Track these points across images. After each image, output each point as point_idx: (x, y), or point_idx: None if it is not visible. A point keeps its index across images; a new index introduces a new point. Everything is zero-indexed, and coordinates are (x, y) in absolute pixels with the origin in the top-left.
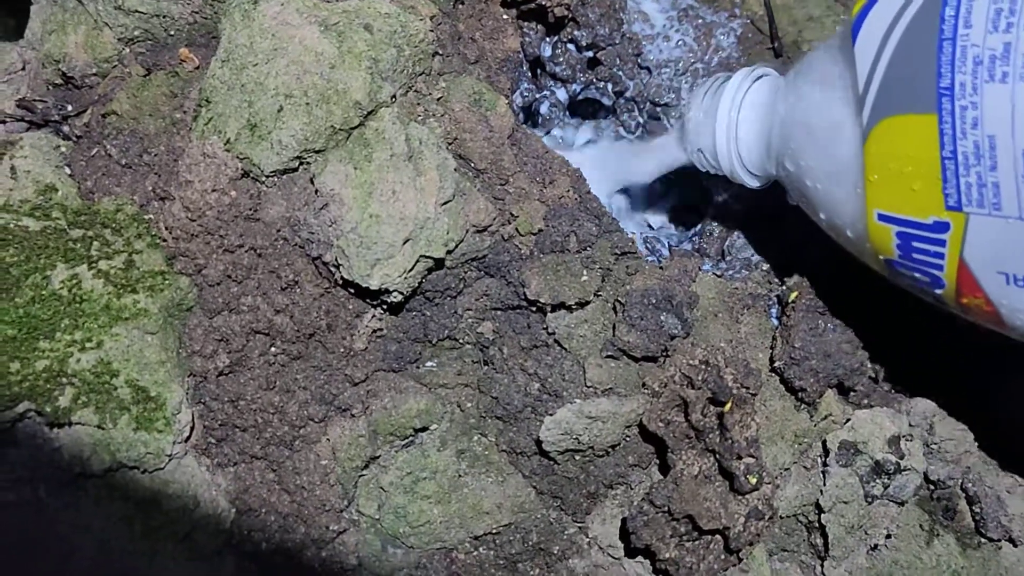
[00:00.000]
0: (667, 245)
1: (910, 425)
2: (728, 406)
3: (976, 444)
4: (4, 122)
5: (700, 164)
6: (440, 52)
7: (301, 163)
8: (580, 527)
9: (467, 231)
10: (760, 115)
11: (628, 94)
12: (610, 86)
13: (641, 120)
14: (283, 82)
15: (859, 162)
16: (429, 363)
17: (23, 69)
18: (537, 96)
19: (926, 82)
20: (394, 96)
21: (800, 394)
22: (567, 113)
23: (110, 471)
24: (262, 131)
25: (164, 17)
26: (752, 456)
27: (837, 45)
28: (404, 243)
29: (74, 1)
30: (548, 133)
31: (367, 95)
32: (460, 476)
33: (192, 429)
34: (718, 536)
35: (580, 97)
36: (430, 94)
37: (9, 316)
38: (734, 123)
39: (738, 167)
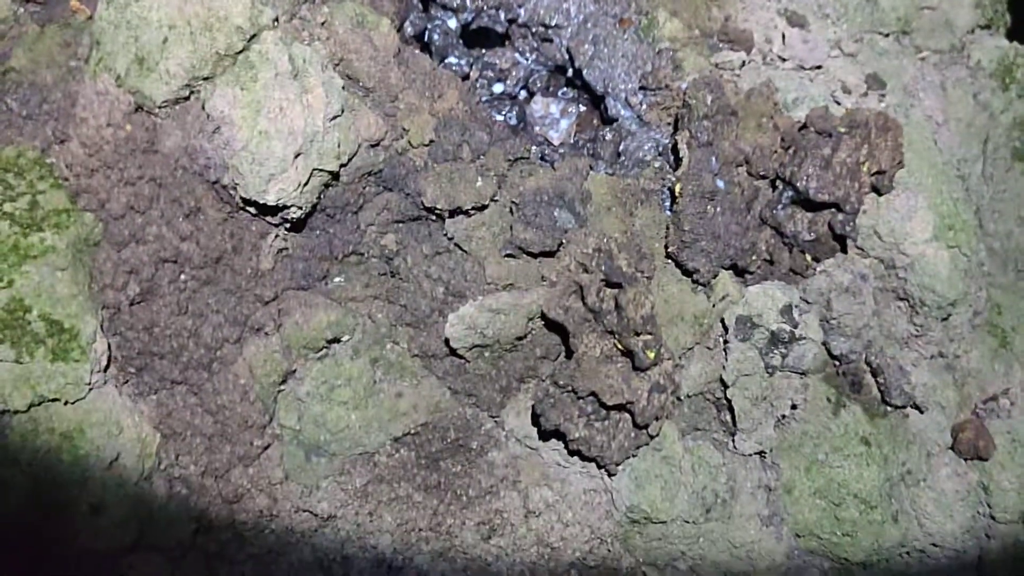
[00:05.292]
0: (563, 156)
1: (805, 301)
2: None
3: (875, 318)
4: None
5: None
6: None
7: (192, 92)
8: (496, 421)
9: (359, 145)
10: None
11: (520, 19)
12: (501, 13)
13: (535, 44)
14: (166, 14)
15: None
16: (337, 279)
17: None
18: (428, 26)
19: None
20: (276, 20)
21: (695, 276)
22: (460, 42)
23: (33, 405)
24: (150, 63)
25: None
26: (649, 333)
27: None
28: (296, 157)
29: None
30: (443, 61)
31: (248, 19)
32: (375, 382)
33: (109, 358)
34: (625, 413)
35: (473, 26)
36: (314, 19)
37: None
38: None
39: None
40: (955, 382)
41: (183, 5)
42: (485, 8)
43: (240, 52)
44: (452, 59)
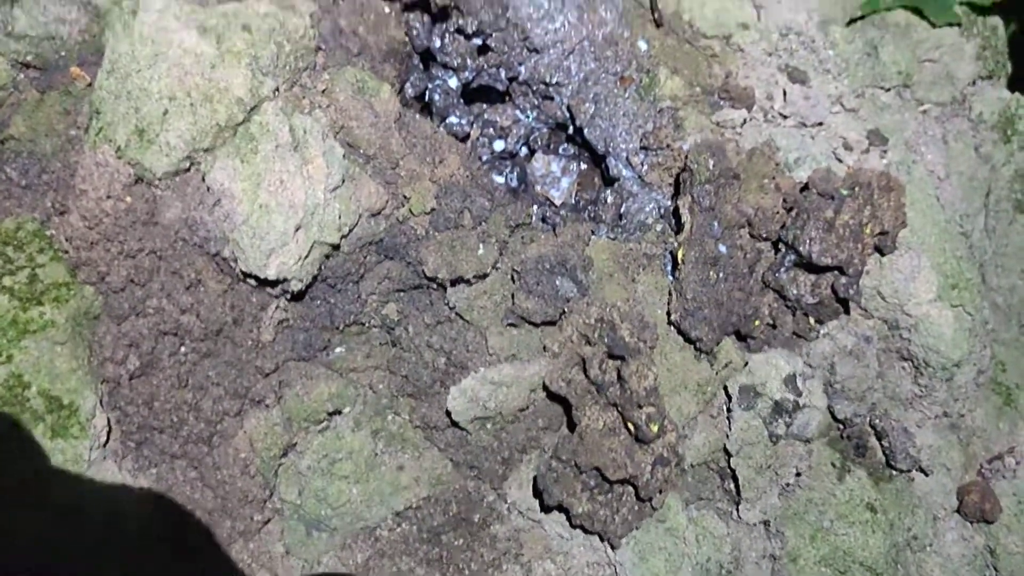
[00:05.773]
0: (564, 219)
1: (809, 366)
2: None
3: (879, 380)
4: None
5: None
6: (322, 47)
7: (192, 163)
8: (498, 494)
9: (360, 215)
10: None
11: (521, 78)
12: (502, 71)
13: (535, 102)
14: (166, 85)
15: None
16: (338, 349)
17: None
18: (429, 86)
19: None
20: (277, 89)
21: (698, 344)
22: (461, 101)
23: (32, 480)
24: (150, 135)
25: (54, 39)
26: (652, 405)
27: None
28: (296, 230)
29: None
30: (444, 121)
31: (249, 91)
32: (376, 455)
33: (108, 433)
34: (628, 486)
35: (474, 85)
36: (315, 87)
37: None
38: None
39: None
40: (960, 442)
41: (184, 76)
42: (486, 67)
43: (240, 124)
44: (453, 119)
